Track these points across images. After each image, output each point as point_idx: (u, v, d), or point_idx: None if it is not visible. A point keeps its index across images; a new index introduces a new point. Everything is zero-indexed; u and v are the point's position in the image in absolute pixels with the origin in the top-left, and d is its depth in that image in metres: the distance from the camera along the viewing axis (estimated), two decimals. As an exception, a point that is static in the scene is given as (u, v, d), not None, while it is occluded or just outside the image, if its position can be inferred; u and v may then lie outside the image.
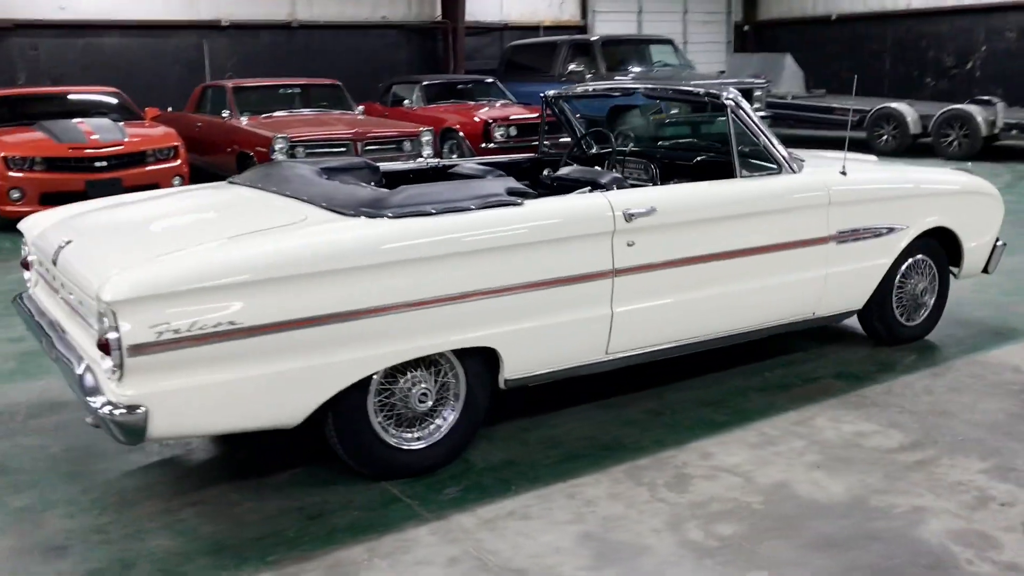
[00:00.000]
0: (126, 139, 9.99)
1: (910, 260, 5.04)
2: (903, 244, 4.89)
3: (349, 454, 3.54)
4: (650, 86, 5.15)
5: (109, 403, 2.97)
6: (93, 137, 9.85)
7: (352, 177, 4.66)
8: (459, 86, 14.60)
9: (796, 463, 3.71)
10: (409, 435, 3.64)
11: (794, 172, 4.52)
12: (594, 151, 5.59)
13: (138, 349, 2.94)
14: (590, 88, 5.54)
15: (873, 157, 6.10)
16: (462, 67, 17.42)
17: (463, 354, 3.67)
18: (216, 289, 3.06)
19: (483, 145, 12.70)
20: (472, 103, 13.76)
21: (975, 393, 4.42)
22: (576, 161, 5.53)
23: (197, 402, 3.09)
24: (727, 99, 4.40)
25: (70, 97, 11.51)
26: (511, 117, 12.90)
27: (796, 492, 3.47)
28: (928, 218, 4.97)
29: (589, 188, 4.08)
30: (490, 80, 14.80)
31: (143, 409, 2.96)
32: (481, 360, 3.71)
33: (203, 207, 4.14)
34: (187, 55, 15.49)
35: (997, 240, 5.32)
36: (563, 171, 4.50)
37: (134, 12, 14.92)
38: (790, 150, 4.79)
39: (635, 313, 4.01)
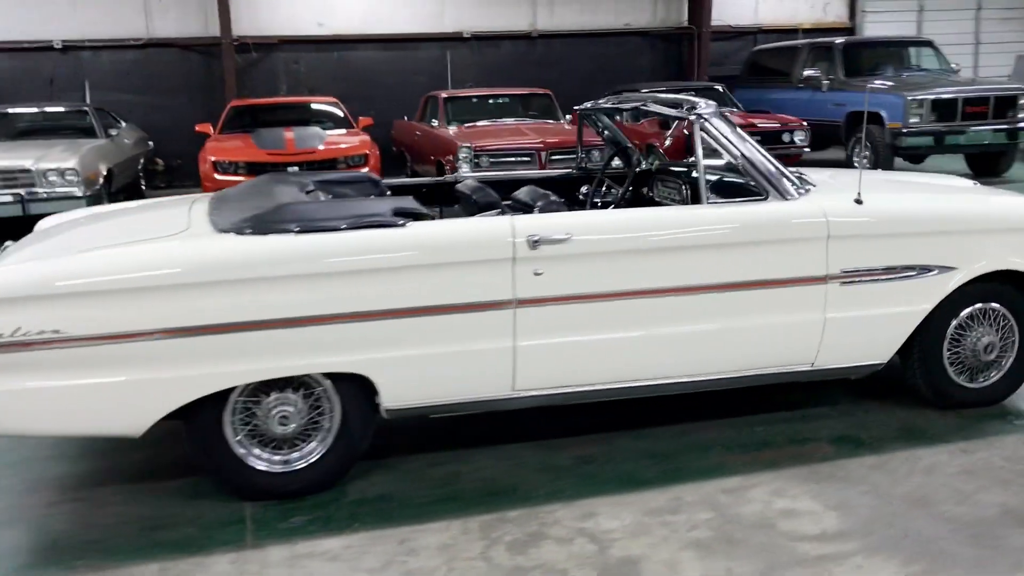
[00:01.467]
0: (320, 146, 10.65)
1: (970, 308, 4.16)
2: (947, 289, 4.06)
3: (207, 469, 3.55)
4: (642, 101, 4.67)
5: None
6: (293, 144, 10.60)
7: (350, 190, 4.68)
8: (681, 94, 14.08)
9: (676, 538, 3.21)
10: (277, 457, 3.57)
11: (788, 199, 3.91)
12: (618, 166, 5.19)
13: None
14: (608, 102, 5.11)
15: (967, 182, 5.14)
16: (705, 73, 16.83)
17: (338, 380, 3.54)
18: (42, 298, 3.18)
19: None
20: (683, 113, 13.20)
21: (987, 480, 3.58)
22: (610, 179, 5.18)
23: (23, 405, 3.23)
24: (693, 114, 3.90)
25: (296, 106, 12.51)
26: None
27: (639, 571, 3.00)
28: (990, 260, 4.09)
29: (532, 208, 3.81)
30: (718, 87, 14.16)
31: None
32: (358, 387, 3.56)
33: (133, 219, 4.28)
34: (431, 66, 16.25)
35: None
36: (465, 187, 4.23)
37: (384, 27, 15.89)
38: (800, 173, 4.16)
39: (547, 349, 3.67)
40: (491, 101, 13.18)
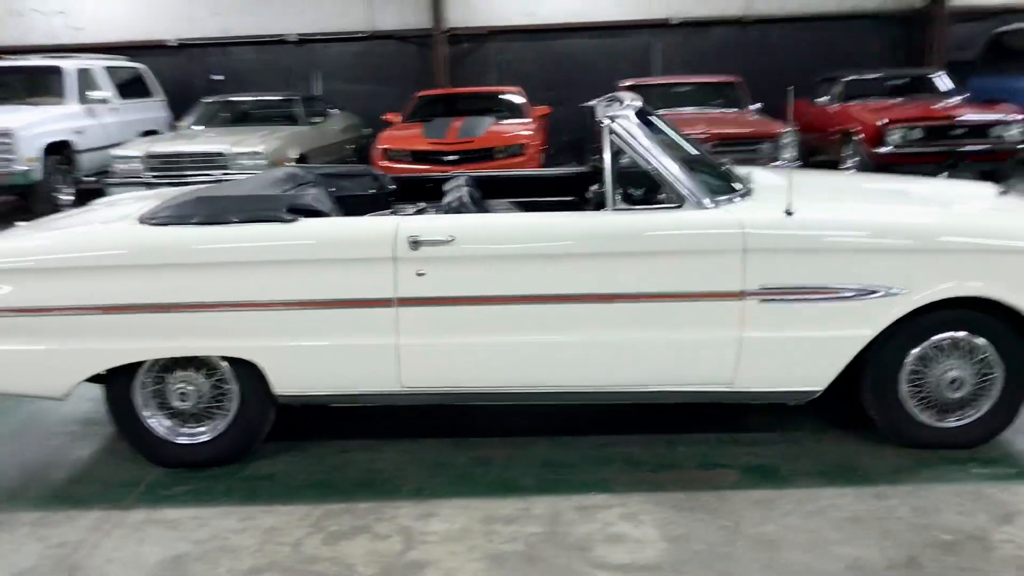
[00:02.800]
0: (480, 136, 10.98)
1: (936, 338, 3.72)
2: (893, 314, 3.64)
3: (121, 433, 3.95)
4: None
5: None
6: (456, 134, 11.02)
7: (351, 184, 4.95)
8: (890, 81, 13.10)
9: (483, 549, 3.20)
10: (183, 430, 3.91)
11: (705, 207, 3.69)
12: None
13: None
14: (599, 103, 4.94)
15: (990, 187, 4.51)
16: (941, 59, 15.43)
17: (235, 364, 3.82)
18: None
19: (876, 150, 11.37)
20: (900, 101, 12.22)
21: (868, 530, 3.22)
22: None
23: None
24: (603, 118, 3.77)
25: (477, 96, 12.94)
26: (915, 117, 11.27)
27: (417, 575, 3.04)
28: (952, 283, 3.62)
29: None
30: (938, 74, 13.00)
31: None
32: (254, 372, 3.82)
33: (126, 202, 4.72)
34: (637, 54, 16.13)
35: None
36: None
37: (590, 15, 15.97)
38: (743, 178, 3.92)
39: (430, 348, 3.73)
40: (673, 90, 12.91)
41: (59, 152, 11.83)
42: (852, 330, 3.65)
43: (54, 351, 3.75)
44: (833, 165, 12.29)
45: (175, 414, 3.90)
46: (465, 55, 16.09)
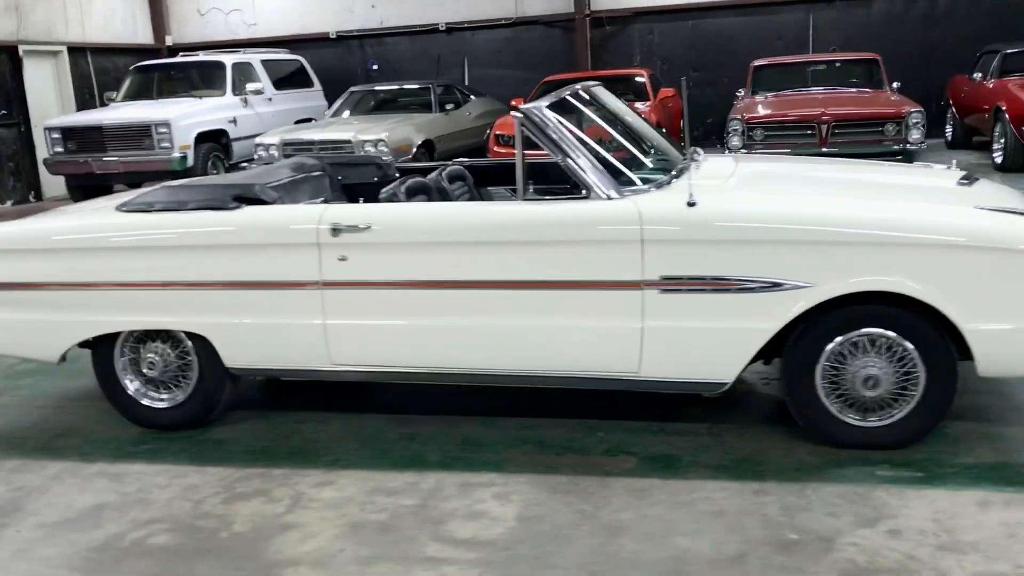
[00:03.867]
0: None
1: (852, 334, 3.62)
2: (799, 308, 3.57)
3: (105, 396, 4.47)
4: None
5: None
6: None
7: (357, 172, 5.32)
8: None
9: (349, 517, 3.44)
10: (156, 395, 4.39)
11: (608, 199, 3.75)
12: None
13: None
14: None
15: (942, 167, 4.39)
16: None
17: (194, 338, 4.25)
18: None
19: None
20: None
21: (720, 523, 3.21)
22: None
23: (-11, 326, 4.40)
24: (515, 115, 3.89)
25: (603, 79, 12.94)
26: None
27: (286, 537, 3.33)
28: (863, 277, 3.50)
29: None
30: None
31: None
32: (210, 346, 4.23)
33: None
34: (791, 30, 15.57)
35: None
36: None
37: (744, -9, 15.58)
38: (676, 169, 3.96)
39: (353, 329, 4.01)
40: (809, 69, 12.45)
41: (216, 140, 12.91)
42: (755, 323, 3.60)
43: (47, 321, 4.30)
44: (988, 146, 11.50)
45: (147, 380, 4.35)
46: (608, 38, 16.09)
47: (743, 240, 3.58)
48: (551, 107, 3.96)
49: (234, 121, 13.46)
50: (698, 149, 4.73)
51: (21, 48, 14.39)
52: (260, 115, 13.96)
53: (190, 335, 4.22)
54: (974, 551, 2.90)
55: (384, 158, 5.38)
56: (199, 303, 4.12)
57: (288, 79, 15.12)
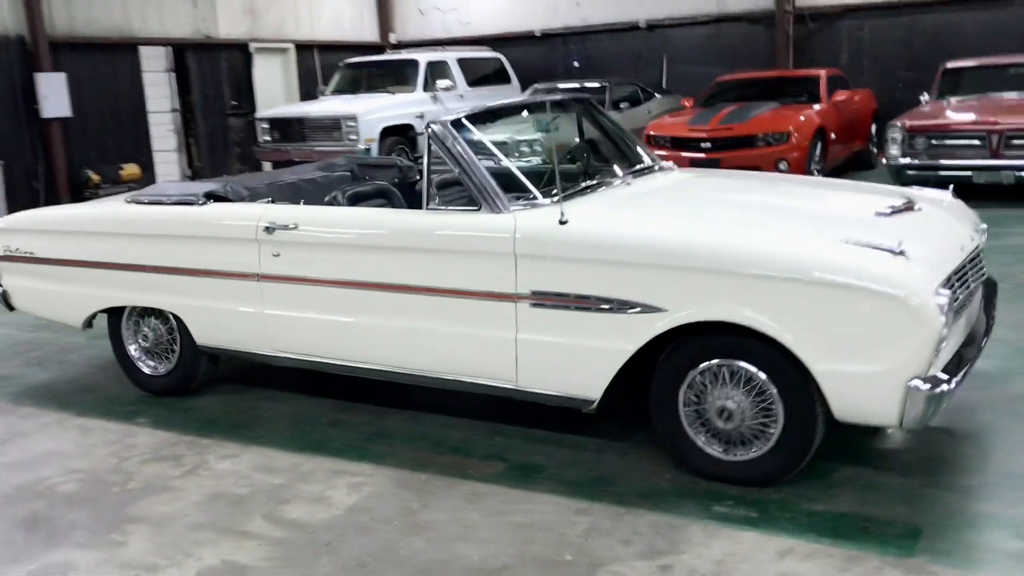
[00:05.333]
0: (742, 123, 10.79)
1: (707, 364, 3.56)
2: (652, 331, 3.54)
3: (116, 358, 5.16)
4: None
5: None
6: (718, 120, 10.97)
7: (381, 173, 5.76)
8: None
9: (224, 484, 3.84)
10: (153, 364, 5.03)
11: (494, 212, 3.89)
12: None
13: (3, 259, 5.26)
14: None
15: (942, 195, 3.97)
16: None
17: (176, 317, 4.84)
18: (23, 231, 5.14)
19: None
20: None
21: (517, 540, 3.32)
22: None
23: (25, 295, 5.25)
24: (428, 127, 4.10)
25: (778, 80, 12.53)
26: None
27: (161, 497, 3.81)
28: (713, 307, 3.43)
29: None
30: None
31: (2, 291, 5.30)
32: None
33: None
34: (1022, 28, 14.20)
35: (923, 381, 3.14)
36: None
37: (965, -13, 14.40)
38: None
39: (285, 319, 4.41)
40: (1009, 71, 11.38)
41: (402, 134, 13.79)
42: (614, 343, 3.60)
43: (70, 292, 5.03)
44: None
45: (144, 350, 4.98)
46: (813, 35, 15.41)
47: (602, 260, 3.59)
48: (465, 119, 4.12)
49: (421, 116, 14.25)
50: (666, 164, 4.70)
51: (252, 46, 16.02)
52: (449, 111, 14.65)
53: (174, 314, 4.77)
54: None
55: (403, 161, 5.69)
56: (174, 286, 4.66)
57: (485, 76, 15.75)
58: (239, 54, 15.89)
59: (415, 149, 14.08)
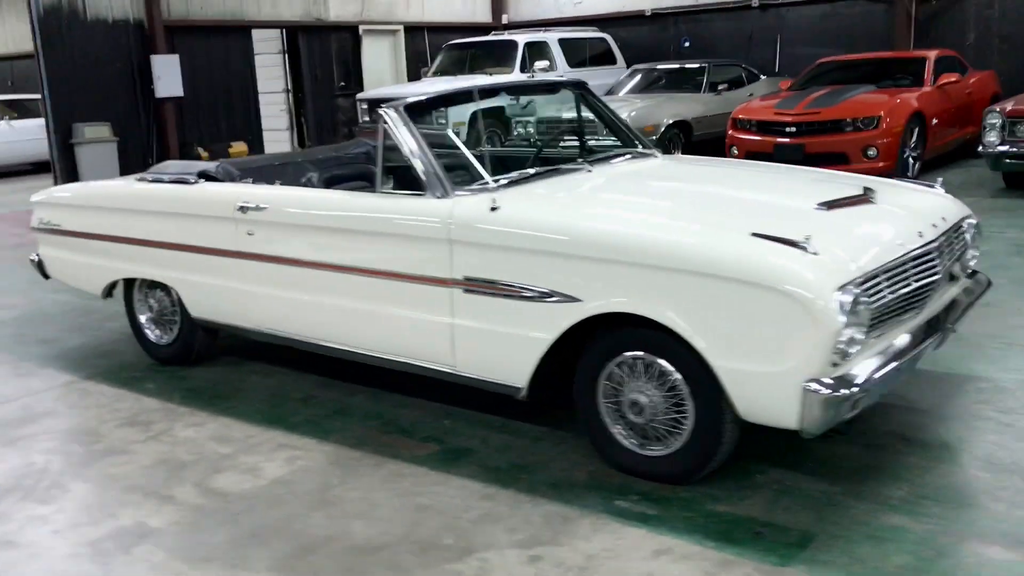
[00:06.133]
0: (830, 107, 10.36)
1: (624, 355, 3.52)
2: (567, 321, 3.52)
3: (130, 326, 5.49)
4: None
5: (35, 255, 5.78)
6: (806, 105, 10.57)
7: (398, 155, 5.90)
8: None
9: (170, 452, 4.07)
10: (159, 334, 5.33)
11: (440, 197, 3.94)
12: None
13: (36, 230, 5.68)
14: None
15: (931, 187, 4.00)
16: None
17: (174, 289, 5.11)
18: (52, 204, 5.52)
19: None
20: None
21: (401, 520, 3.39)
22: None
23: (55, 264, 5.64)
24: (380, 113, 4.17)
25: (881, 61, 11.95)
26: None
27: (124, 458, 4.07)
28: (622, 298, 3.39)
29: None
30: None
31: (38, 260, 5.72)
32: (186, 296, 5.08)
33: None
34: None
35: (821, 384, 2.99)
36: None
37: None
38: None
39: (258, 296, 4.59)
40: None
41: (496, 116, 13.87)
42: (534, 331, 3.60)
43: (89, 263, 5.38)
44: None
45: (152, 320, 5.28)
46: (936, 14, 14.59)
47: (525, 249, 3.57)
48: (419, 104, 4.17)
49: (516, 97, 14.30)
50: (647, 152, 4.63)
51: (361, 28, 16.44)
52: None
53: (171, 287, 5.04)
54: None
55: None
56: (170, 260, 4.91)
57: (595, 56, 15.65)
58: (348, 36, 16.34)
59: (508, 132, 14.15)
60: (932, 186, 4.19)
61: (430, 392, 4.42)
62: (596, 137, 5.28)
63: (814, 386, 2.99)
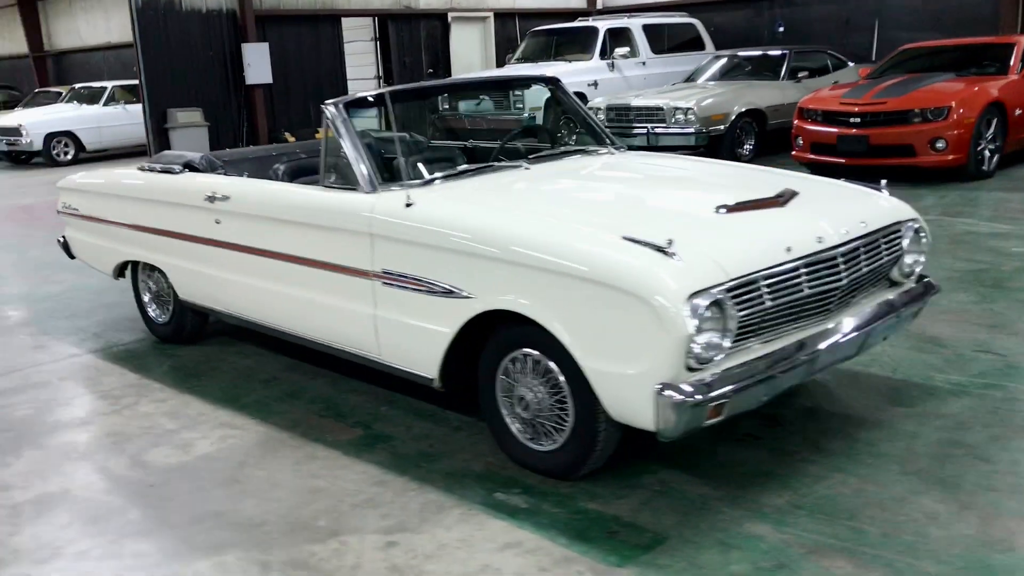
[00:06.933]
0: (898, 97, 9.97)
1: (515, 352, 3.60)
2: (463, 316, 3.62)
3: (138, 309, 5.86)
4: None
5: (62, 236, 6.24)
6: (874, 94, 10.22)
7: (390, 147, 6.11)
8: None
9: (123, 424, 4.37)
10: (159, 312, 5.69)
11: (368, 192, 4.07)
12: None
13: (62, 213, 6.13)
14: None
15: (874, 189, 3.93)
16: None
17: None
18: (73, 189, 5.94)
19: None
20: None
21: (281, 499, 3.57)
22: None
23: (77, 245, 6.08)
24: (323, 109, 4.33)
25: (967, 48, 11.38)
26: None
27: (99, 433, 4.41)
28: (506, 296, 3.46)
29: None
30: None
31: (64, 241, 6.17)
32: (178, 280, 5.40)
33: None
34: None
35: (673, 389, 2.98)
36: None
37: None
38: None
39: (229, 282, 4.84)
40: None
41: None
42: (438, 325, 3.71)
43: (99, 245, 5.77)
44: None
45: (152, 300, 5.63)
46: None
47: (428, 244, 3.68)
48: (359, 101, 4.30)
49: (595, 84, 14.31)
50: (603, 150, 4.67)
51: (450, 15, 16.69)
52: (627, 78, 14.60)
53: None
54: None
55: (412, 136, 5.91)
56: (160, 245, 5.23)
57: (676, 43, 15.46)
58: (438, 23, 16.61)
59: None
60: (880, 189, 4.07)
61: (384, 379, 4.55)
62: (563, 133, 5.27)
63: (667, 391, 2.99)
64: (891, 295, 3.85)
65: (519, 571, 2.93)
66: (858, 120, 9.98)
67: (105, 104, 17.67)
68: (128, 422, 4.36)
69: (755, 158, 12.12)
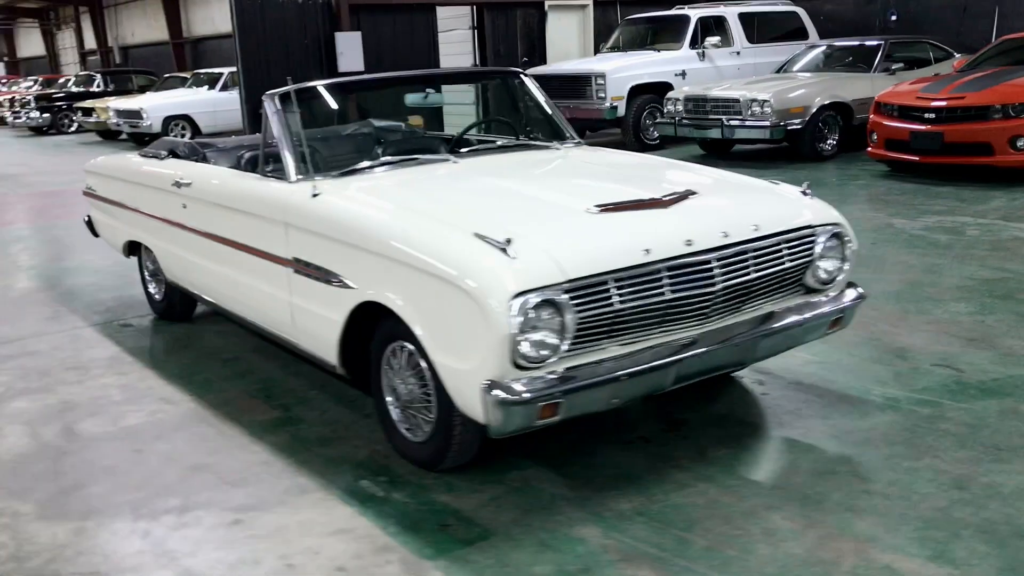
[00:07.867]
0: (978, 92, 9.43)
1: (393, 345, 3.68)
2: (347, 306, 3.69)
3: (142, 287, 6.21)
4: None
5: (87, 216, 6.66)
6: (952, 89, 9.69)
7: (390, 135, 6.28)
8: None
9: (94, 400, 4.69)
10: (154, 290, 6.02)
11: (292, 182, 4.19)
12: None
13: (86, 195, 6.55)
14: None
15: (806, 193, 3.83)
16: None
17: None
18: (93, 172, 6.33)
19: None
20: None
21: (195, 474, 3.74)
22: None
23: (99, 225, 6.47)
24: (263, 100, 4.48)
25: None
26: None
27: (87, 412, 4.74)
28: (378, 288, 3.52)
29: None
30: None
31: (88, 220, 6.60)
32: (172, 260, 5.70)
33: None
34: None
35: (498, 387, 2.98)
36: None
37: None
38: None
39: (193, 264, 5.10)
40: None
41: (659, 92, 13.68)
42: (331, 313, 3.80)
43: (112, 225, 6.14)
44: None
45: (151, 278, 5.96)
46: None
47: (324, 234, 3.77)
48: (295, 93, 4.41)
49: (683, 74, 14.05)
50: (559, 145, 4.66)
51: (547, 4, 16.69)
52: (719, 68, 14.26)
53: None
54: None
55: (407, 127, 6.03)
56: (149, 226, 5.52)
57: (778, 33, 14.98)
58: (534, 12, 16.63)
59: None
60: (807, 193, 3.90)
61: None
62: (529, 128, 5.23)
63: (494, 389, 2.98)
64: (800, 303, 3.69)
65: (335, 556, 2.99)
66: (932, 116, 9.48)
67: (221, 89, 18.52)
68: (83, 392, 4.64)
69: (837, 154, 11.66)
